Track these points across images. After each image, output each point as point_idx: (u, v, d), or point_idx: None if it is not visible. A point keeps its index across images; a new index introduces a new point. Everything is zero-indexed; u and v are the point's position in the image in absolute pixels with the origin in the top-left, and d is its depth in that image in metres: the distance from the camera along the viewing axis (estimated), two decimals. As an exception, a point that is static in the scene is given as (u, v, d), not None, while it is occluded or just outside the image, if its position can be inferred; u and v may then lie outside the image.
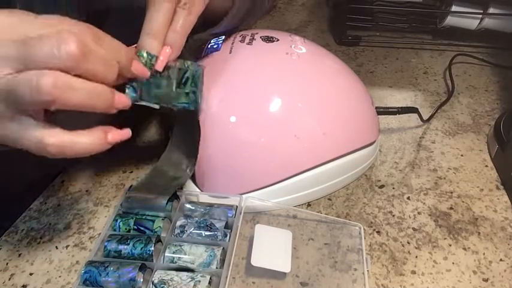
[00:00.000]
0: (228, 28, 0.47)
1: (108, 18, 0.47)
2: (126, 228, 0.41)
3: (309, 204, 0.47)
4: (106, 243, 0.39)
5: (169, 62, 0.36)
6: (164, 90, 0.36)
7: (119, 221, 0.41)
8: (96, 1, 0.45)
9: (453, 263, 0.41)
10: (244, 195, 0.44)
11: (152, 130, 0.58)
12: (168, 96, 0.37)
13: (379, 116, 0.52)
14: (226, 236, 0.41)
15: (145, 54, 0.34)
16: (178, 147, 0.46)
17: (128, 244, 0.39)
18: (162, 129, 0.58)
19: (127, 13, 0.38)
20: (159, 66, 0.35)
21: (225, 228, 0.41)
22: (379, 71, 0.71)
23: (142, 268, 0.37)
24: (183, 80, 0.37)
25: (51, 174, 0.48)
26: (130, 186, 0.44)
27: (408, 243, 0.43)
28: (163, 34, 0.34)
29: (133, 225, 0.41)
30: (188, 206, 0.43)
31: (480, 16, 0.72)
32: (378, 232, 0.44)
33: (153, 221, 0.41)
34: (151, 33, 0.34)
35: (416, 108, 0.56)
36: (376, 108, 0.51)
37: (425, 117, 0.58)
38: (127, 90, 0.35)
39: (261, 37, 0.46)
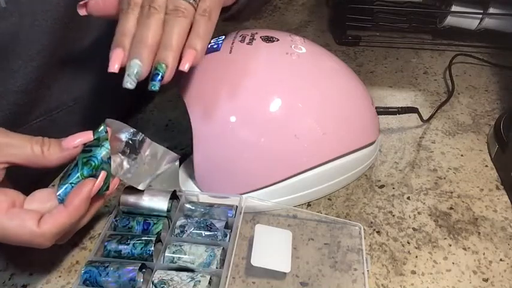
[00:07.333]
0: None
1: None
2: (126, 228, 0.41)
3: (309, 204, 0.47)
4: (106, 243, 0.39)
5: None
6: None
7: (118, 221, 0.41)
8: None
9: (453, 263, 0.41)
10: (244, 195, 0.44)
11: (151, 129, 0.58)
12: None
13: (379, 116, 0.52)
14: (226, 236, 0.41)
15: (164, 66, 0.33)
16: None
17: (128, 244, 0.39)
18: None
19: None
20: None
21: (225, 228, 0.41)
22: (379, 71, 0.71)
23: (142, 268, 0.37)
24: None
25: (51, 173, 0.48)
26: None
27: (408, 243, 0.43)
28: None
29: (135, 225, 0.41)
30: (188, 206, 0.43)
31: (480, 16, 0.72)
32: (378, 232, 0.44)
33: (154, 223, 0.41)
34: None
35: (416, 108, 0.56)
36: (376, 108, 0.51)
37: (425, 117, 0.58)
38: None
39: (261, 37, 0.46)
